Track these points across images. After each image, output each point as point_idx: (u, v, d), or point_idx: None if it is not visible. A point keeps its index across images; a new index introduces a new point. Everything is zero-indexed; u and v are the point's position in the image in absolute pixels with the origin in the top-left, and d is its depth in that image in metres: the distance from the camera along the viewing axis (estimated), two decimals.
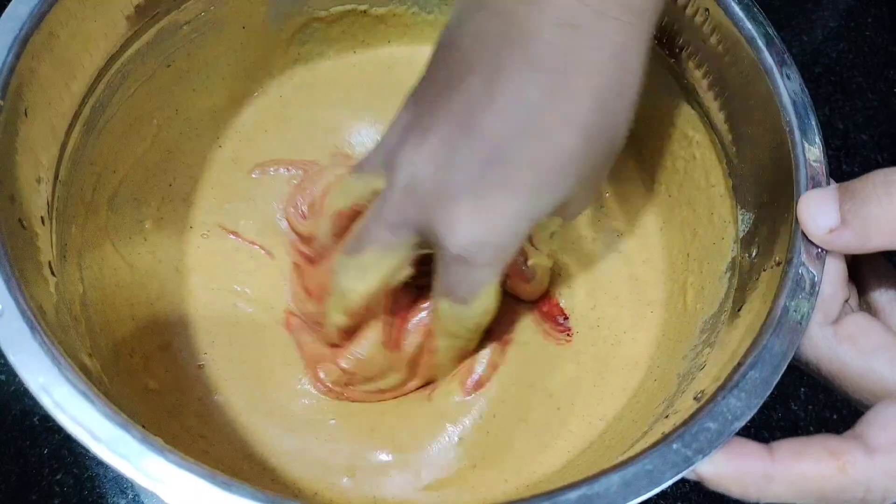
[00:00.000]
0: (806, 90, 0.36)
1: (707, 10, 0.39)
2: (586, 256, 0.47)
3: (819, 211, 0.32)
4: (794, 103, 0.36)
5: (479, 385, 0.43)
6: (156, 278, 0.43)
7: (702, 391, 0.32)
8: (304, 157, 0.48)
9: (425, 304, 0.41)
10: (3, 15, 0.33)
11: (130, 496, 0.46)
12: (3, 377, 0.48)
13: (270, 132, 0.49)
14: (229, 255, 0.45)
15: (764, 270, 0.35)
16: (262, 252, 0.45)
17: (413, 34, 0.51)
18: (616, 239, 0.47)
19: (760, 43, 0.37)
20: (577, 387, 0.43)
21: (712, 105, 0.41)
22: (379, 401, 0.42)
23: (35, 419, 0.46)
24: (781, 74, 0.36)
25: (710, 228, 0.43)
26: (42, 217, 0.35)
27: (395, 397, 0.43)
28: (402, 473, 0.40)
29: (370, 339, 0.40)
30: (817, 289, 0.32)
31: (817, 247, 0.32)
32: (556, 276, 0.46)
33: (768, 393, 0.29)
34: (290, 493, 0.39)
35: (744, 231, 0.39)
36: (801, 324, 0.31)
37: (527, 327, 0.45)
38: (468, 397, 0.42)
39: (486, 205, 0.32)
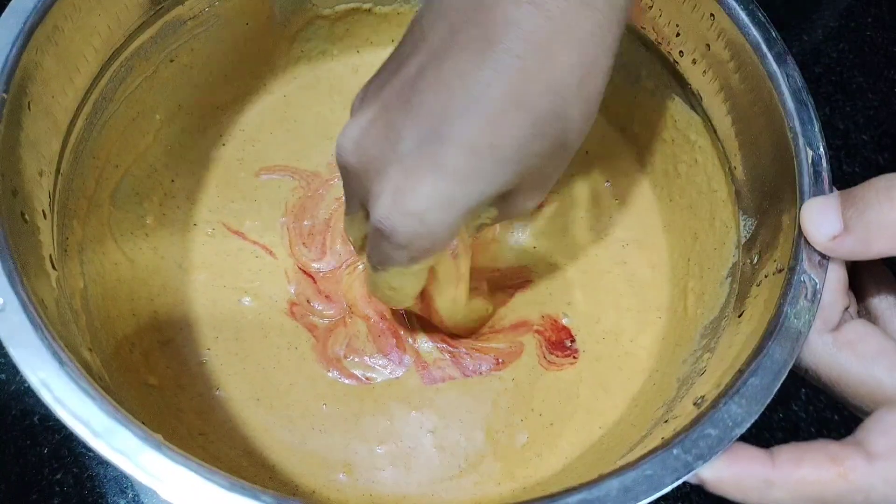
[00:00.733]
0: (810, 96, 0.36)
1: (712, 14, 0.39)
2: (588, 263, 0.47)
3: (822, 218, 0.32)
4: (797, 109, 0.36)
5: (430, 377, 0.43)
6: (158, 274, 0.43)
7: (702, 397, 0.32)
8: (308, 159, 0.49)
9: None
10: (8, 8, 0.33)
11: (130, 496, 0.46)
12: (3, 376, 0.48)
13: (275, 132, 0.49)
14: (233, 254, 0.45)
15: (766, 277, 0.35)
16: (265, 252, 0.46)
17: None
18: (618, 243, 0.47)
19: (765, 48, 0.37)
20: (576, 397, 0.43)
21: (716, 110, 0.41)
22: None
23: (35, 418, 0.46)
24: (785, 80, 0.36)
25: (711, 233, 0.43)
26: (44, 211, 0.35)
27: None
28: (394, 468, 0.41)
29: None
30: (819, 296, 0.32)
31: (819, 254, 0.32)
32: (559, 288, 0.46)
33: (769, 399, 0.29)
34: (288, 490, 0.39)
35: (745, 237, 0.39)
36: (802, 331, 0.31)
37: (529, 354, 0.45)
38: (426, 387, 0.43)
39: (412, 183, 0.30)
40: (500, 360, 0.44)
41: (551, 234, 0.47)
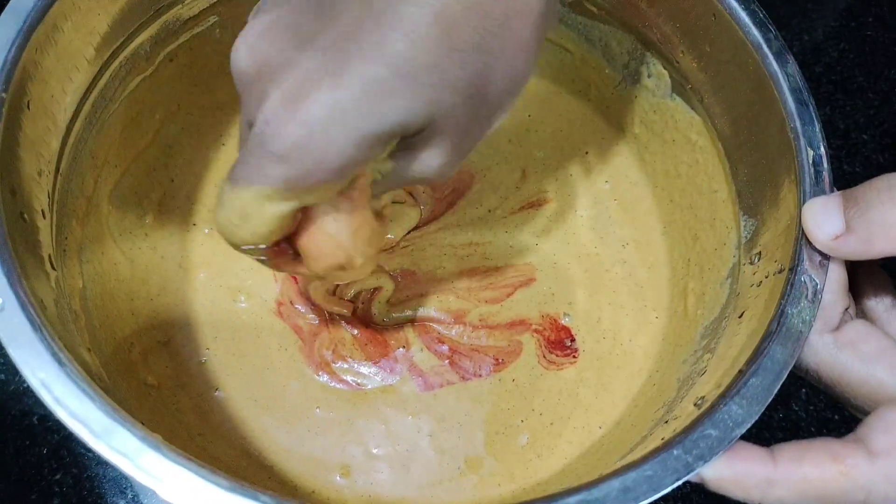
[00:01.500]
0: (811, 96, 0.36)
1: (713, 14, 0.39)
2: (588, 263, 0.47)
3: (824, 218, 0.32)
4: (798, 109, 0.36)
5: (427, 383, 0.43)
6: (157, 274, 0.43)
7: (703, 397, 0.32)
8: None
9: None
10: (7, 8, 0.33)
11: (130, 496, 0.46)
12: (2, 377, 0.48)
13: None
14: (228, 253, 0.45)
15: (766, 277, 0.35)
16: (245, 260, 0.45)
17: None
18: (618, 243, 0.47)
19: (766, 48, 0.37)
20: (576, 397, 0.43)
21: (716, 110, 0.41)
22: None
23: (34, 419, 0.46)
24: (786, 80, 0.36)
25: (711, 234, 0.43)
26: (43, 210, 0.34)
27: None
28: (393, 470, 0.41)
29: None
30: (819, 297, 0.32)
31: (820, 254, 0.32)
32: (559, 288, 0.46)
33: (770, 400, 0.30)
34: (287, 491, 0.39)
35: (746, 237, 0.39)
36: (803, 331, 0.31)
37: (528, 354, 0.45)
38: (423, 393, 0.43)
39: (310, 88, 0.26)
40: (500, 360, 0.44)
41: (551, 233, 0.47)
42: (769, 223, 0.37)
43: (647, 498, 0.27)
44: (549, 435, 0.42)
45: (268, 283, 0.44)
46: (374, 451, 0.41)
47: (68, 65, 0.36)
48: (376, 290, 0.45)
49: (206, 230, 0.45)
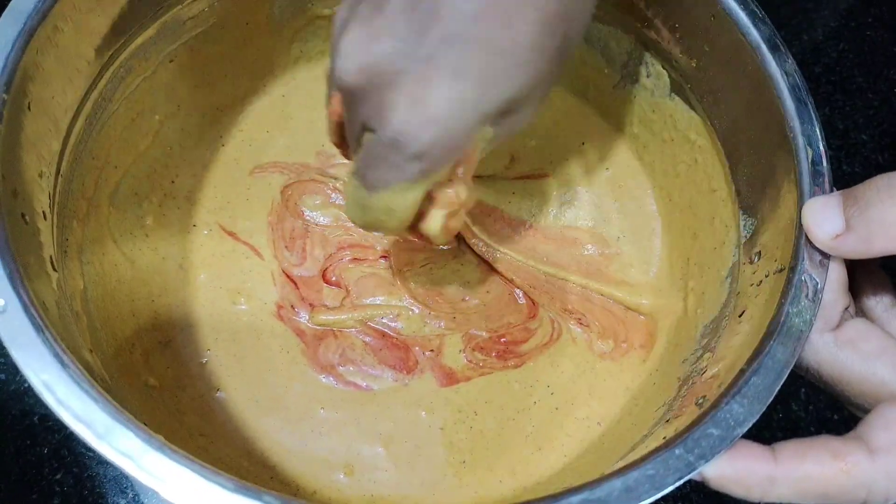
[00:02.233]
0: (810, 96, 0.36)
1: (713, 15, 0.39)
2: (588, 263, 0.47)
3: (823, 217, 0.32)
4: (797, 109, 0.36)
5: (452, 378, 0.43)
6: (158, 275, 0.43)
7: (704, 396, 0.32)
8: (299, 153, 0.49)
9: None
10: (8, 9, 0.33)
11: (130, 496, 0.46)
12: (2, 377, 0.48)
13: (272, 132, 0.49)
14: (228, 255, 0.45)
15: (766, 276, 0.35)
16: (254, 253, 0.46)
17: None
18: (618, 243, 0.47)
19: (765, 48, 0.37)
20: (574, 388, 0.43)
21: (716, 109, 0.41)
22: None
23: (35, 418, 0.46)
24: (785, 80, 0.36)
25: (711, 233, 0.43)
26: (44, 212, 0.34)
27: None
28: (397, 469, 0.41)
29: None
30: (820, 296, 0.32)
31: (820, 253, 0.32)
32: (559, 288, 0.46)
33: (771, 399, 0.30)
34: (289, 490, 0.39)
35: (745, 236, 0.39)
36: (803, 330, 0.31)
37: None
38: (443, 389, 0.43)
39: (430, 89, 0.28)
40: (520, 353, 0.44)
41: (550, 233, 0.47)
42: (769, 222, 0.37)
43: (649, 497, 0.27)
44: (552, 424, 0.42)
45: (267, 286, 0.45)
46: (380, 449, 0.41)
47: (69, 66, 0.36)
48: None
49: (206, 231, 0.45)
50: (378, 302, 0.44)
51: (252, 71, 0.48)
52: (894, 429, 0.29)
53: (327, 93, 0.34)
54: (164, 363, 0.41)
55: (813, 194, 0.34)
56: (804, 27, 0.63)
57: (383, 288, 0.45)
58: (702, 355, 0.38)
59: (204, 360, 0.42)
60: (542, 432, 0.42)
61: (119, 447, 0.26)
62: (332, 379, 0.43)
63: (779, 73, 0.36)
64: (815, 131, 0.35)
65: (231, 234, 0.46)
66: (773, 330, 0.31)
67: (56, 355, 0.28)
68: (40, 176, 0.35)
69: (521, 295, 0.46)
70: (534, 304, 0.45)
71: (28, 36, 0.33)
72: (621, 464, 0.29)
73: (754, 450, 0.29)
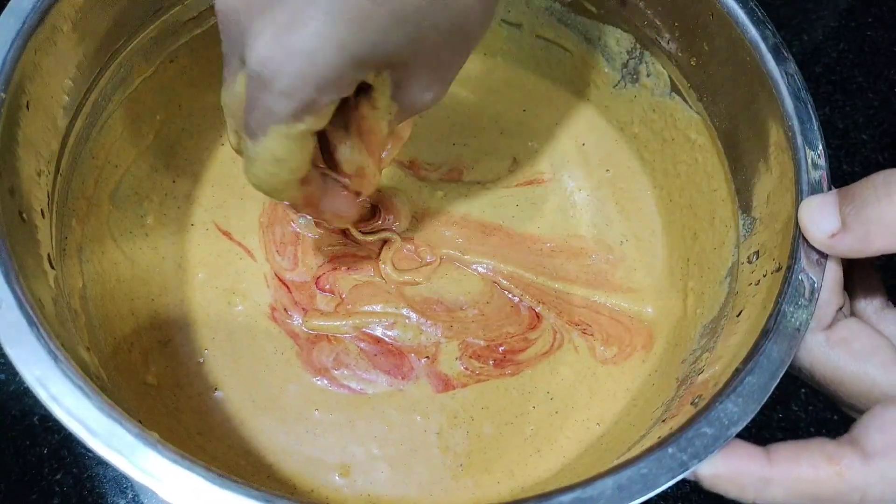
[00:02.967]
0: (809, 96, 0.36)
1: (712, 14, 0.39)
2: (588, 263, 0.47)
3: (820, 216, 0.32)
4: (796, 109, 0.36)
5: (448, 385, 0.43)
6: (158, 274, 0.43)
7: (699, 396, 0.32)
8: None
9: None
10: (7, 9, 0.33)
11: (130, 496, 0.46)
12: (2, 377, 0.48)
13: None
14: (223, 255, 0.45)
15: (764, 276, 0.35)
16: (247, 254, 0.45)
17: None
18: (617, 243, 0.47)
19: (764, 48, 0.37)
20: (574, 393, 0.43)
21: (716, 109, 0.41)
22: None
23: (35, 419, 0.46)
24: (785, 80, 0.36)
25: (710, 233, 0.43)
26: (42, 210, 0.35)
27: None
28: (393, 470, 0.41)
29: None
30: (816, 295, 0.32)
31: (817, 253, 0.32)
32: (560, 288, 0.46)
33: (766, 398, 0.29)
34: (286, 490, 0.39)
35: (744, 236, 0.39)
36: (799, 330, 0.31)
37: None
38: (439, 394, 0.43)
39: (302, 19, 0.27)
40: (518, 360, 0.44)
41: (549, 233, 0.47)
42: (767, 222, 0.37)
43: (641, 496, 0.27)
44: (552, 427, 0.42)
45: (260, 288, 0.44)
46: (375, 451, 0.41)
47: (68, 65, 0.37)
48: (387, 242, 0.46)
49: (204, 230, 0.45)
50: (374, 309, 0.44)
51: None
52: (888, 431, 0.28)
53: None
54: (162, 362, 0.41)
55: (811, 194, 0.33)
56: (804, 27, 0.63)
57: (380, 296, 0.45)
58: (700, 355, 0.38)
59: (201, 360, 0.42)
60: (540, 435, 0.42)
61: (113, 445, 0.27)
62: (326, 381, 0.42)
63: (778, 72, 0.36)
64: (814, 130, 0.35)
65: (226, 233, 0.46)
66: (769, 329, 0.31)
67: (50, 352, 0.28)
68: (39, 174, 0.35)
69: (524, 307, 0.45)
70: (537, 316, 0.45)
71: (27, 35, 0.33)
72: (616, 463, 0.29)
73: (749, 450, 0.29)
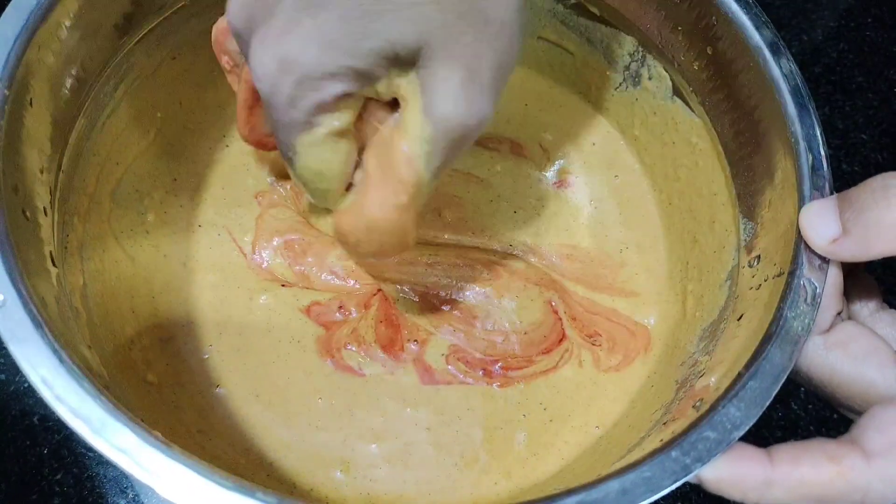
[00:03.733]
0: (811, 100, 0.36)
1: (714, 17, 0.39)
2: (587, 263, 0.47)
3: (820, 221, 0.32)
4: (798, 113, 0.36)
5: (431, 377, 0.43)
6: (160, 272, 0.43)
7: (701, 399, 0.32)
8: None
9: None
10: (10, 5, 0.33)
11: (130, 496, 0.46)
12: (2, 377, 0.48)
13: None
14: (235, 257, 0.45)
15: (765, 280, 0.35)
16: (252, 257, 0.45)
17: None
18: (617, 246, 0.47)
19: (767, 52, 0.37)
20: (571, 403, 0.43)
21: (717, 112, 0.41)
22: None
23: (35, 419, 0.46)
24: (787, 84, 0.36)
25: (710, 237, 0.43)
26: (45, 208, 0.35)
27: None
28: (391, 466, 0.41)
29: None
30: (818, 300, 0.32)
31: (819, 258, 0.32)
32: (558, 289, 0.46)
33: (768, 403, 0.30)
34: (286, 488, 0.39)
35: (745, 240, 0.39)
36: (801, 335, 0.31)
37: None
38: (425, 386, 0.43)
39: (291, 27, 0.27)
40: (509, 367, 0.44)
41: (550, 233, 0.47)
42: (768, 226, 0.37)
43: (645, 499, 0.27)
44: (548, 433, 0.42)
45: (274, 284, 0.45)
46: (372, 446, 0.41)
47: (71, 62, 0.36)
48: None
49: (216, 233, 0.45)
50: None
51: None
52: (888, 431, 0.29)
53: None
54: (163, 360, 0.41)
55: (813, 199, 0.34)
56: (804, 28, 0.63)
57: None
58: (700, 358, 0.38)
59: (205, 357, 0.42)
60: (535, 441, 0.42)
61: (115, 443, 0.27)
62: (331, 363, 0.43)
63: (780, 76, 0.37)
64: (816, 135, 0.35)
65: (234, 238, 0.46)
66: (772, 334, 0.31)
67: (54, 351, 0.28)
68: (41, 172, 0.35)
69: (560, 316, 0.45)
70: (562, 334, 0.45)
71: (30, 32, 0.33)
72: (618, 466, 0.29)
73: (751, 452, 0.29)
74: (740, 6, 0.38)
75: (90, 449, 0.27)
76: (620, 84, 0.48)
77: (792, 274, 0.32)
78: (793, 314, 0.31)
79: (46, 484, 0.45)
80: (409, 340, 0.44)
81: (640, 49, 0.45)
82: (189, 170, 0.46)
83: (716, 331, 0.38)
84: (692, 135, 0.44)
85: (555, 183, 0.49)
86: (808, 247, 0.33)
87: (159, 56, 0.43)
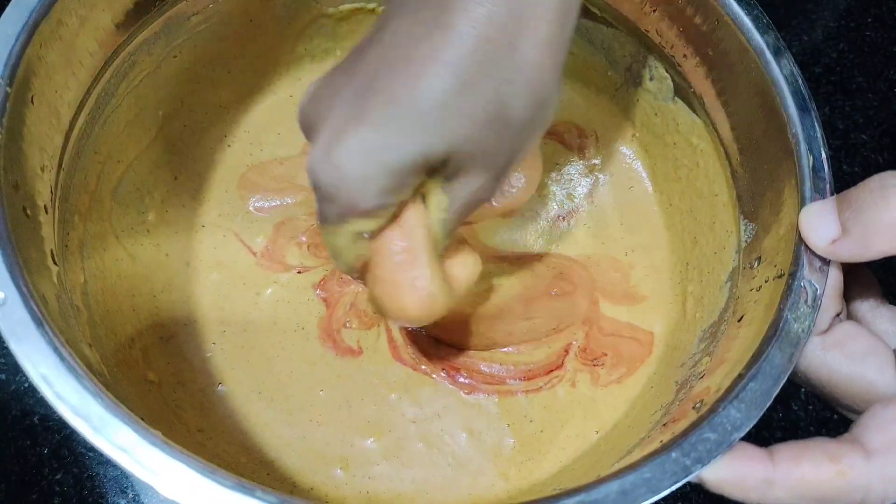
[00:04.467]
0: (812, 101, 0.36)
1: (715, 18, 0.39)
2: (587, 264, 0.47)
3: (819, 222, 0.32)
4: (799, 114, 0.36)
5: (398, 354, 0.43)
6: (161, 271, 0.43)
7: (701, 401, 0.32)
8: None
9: None
10: (12, 3, 0.33)
11: (130, 496, 0.46)
12: (3, 376, 0.48)
13: (283, 135, 0.49)
14: (239, 256, 0.45)
15: (766, 281, 0.35)
16: (257, 256, 0.46)
17: None
18: (617, 246, 0.47)
19: (768, 53, 0.37)
20: (563, 416, 0.43)
21: (718, 113, 0.41)
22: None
23: (35, 419, 0.46)
24: (787, 85, 0.36)
25: (711, 238, 0.43)
26: (45, 206, 0.34)
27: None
28: (388, 463, 0.41)
29: None
30: (819, 301, 0.32)
31: (820, 259, 0.32)
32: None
33: (768, 404, 0.30)
34: (286, 487, 0.39)
35: (746, 241, 0.39)
36: (802, 336, 0.31)
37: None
38: (399, 366, 0.43)
39: (338, 134, 0.29)
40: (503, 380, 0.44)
41: (551, 234, 0.47)
42: (769, 228, 0.37)
43: (645, 500, 0.27)
44: (540, 441, 0.42)
45: (280, 282, 0.45)
46: (369, 440, 0.41)
47: (72, 60, 0.36)
48: None
49: (221, 235, 0.45)
50: None
51: (256, 68, 0.48)
52: (888, 430, 0.29)
53: None
54: (164, 359, 0.41)
55: (813, 200, 0.34)
56: (804, 28, 0.63)
57: None
58: (700, 359, 0.38)
59: (208, 355, 0.42)
60: (527, 447, 0.42)
61: (115, 441, 0.27)
62: (331, 346, 0.43)
63: (782, 78, 0.37)
64: (817, 136, 0.35)
65: (240, 239, 0.46)
66: (772, 335, 0.31)
67: (55, 349, 0.28)
68: (42, 170, 0.35)
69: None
70: (565, 353, 0.44)
71: (32, 29, 0.33)
72: (618, 466, 0.29)
73: (751, 452, 0.29)
74: (741, 7, 0.38)
75: (90, 449, 0.27)
76: (622, 85, 0.48)
77: (792, 275, 0.32)
78: (793, 315, 0.31)
79: (46, 484, 0.45)
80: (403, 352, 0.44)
81: (642, 50, 0.45)
82: (191, 169, 0.46)
83: (716, 332, 0.38)
84: (693, 135, 0.44)
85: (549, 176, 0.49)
86: (808, 248, 0.33)
87: (160, 54, 0.43)
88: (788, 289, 0.32)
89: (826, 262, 0.33)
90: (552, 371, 0.44)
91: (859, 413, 0.31)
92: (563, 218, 0.48)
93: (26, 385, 0.46)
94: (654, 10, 0.42)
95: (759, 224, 0.38)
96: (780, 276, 0.33)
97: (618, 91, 0.48)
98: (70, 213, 0.38)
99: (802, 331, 0.31)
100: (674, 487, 0.28)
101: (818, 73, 0.62)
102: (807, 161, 0.35)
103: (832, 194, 0.34)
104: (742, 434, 0.29)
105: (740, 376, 0.30)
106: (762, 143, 0.38)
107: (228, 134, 0.48)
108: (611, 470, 0.29)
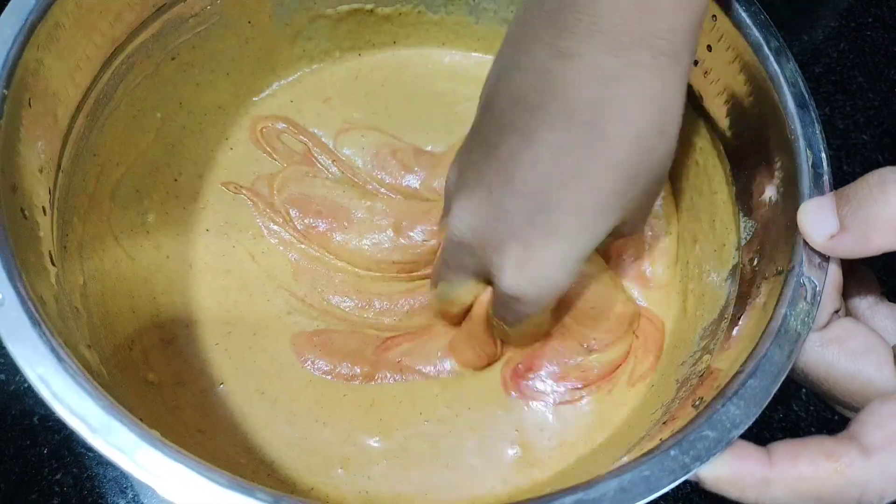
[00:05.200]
0: (811, 99, 0.36)
1: (714, 16, 0.39)
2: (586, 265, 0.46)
3: (818, 218, 0.32)
4: (798, 112, 0.36)
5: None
6: (161, 273, 0.43)
7: (700, 398, 0.32)
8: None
9: None
10: (10, 5, 0.33)
11: (130, 496, 0.46)
12: (2, 376, 0.48)
13: (283, 136, 0.49)
14: (241, 257, 0.45)
15: (765, 278, 0.35)
16: (257, 259, 0.46)
17: (419, 35, 0.51)
18: (617, 246, 0.47)
19: (766, 50, 0.37)
20: (586, 416, 0.43)
21: (717, 111, 0.41)
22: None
23: (35, 419, 0.46)
24: (787, 83, 0.36)
25: (711, 235, 0.43)
26: (44, 207, 0.35)
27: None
28: (388, 462, 0.41)
29: None
30: (818, 298, 0.32)
31: (819, 256, 0.32)
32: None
33: (767, 401, 0.29)
34: (286, 488, 0.39)
35: (745, 238, 0.39)
36: (801, 333, 0.31)
37: None
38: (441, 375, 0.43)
39: (530, 253, 0.33)
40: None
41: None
42: (768, 225, 0.37)
43: (643, 498, 0.27)
44: (533, 450, 0.42)
45: (283, 280, 0.45)
46: (373, 440, 0.41)
47: (70, 62, 0.36)
48: None
49: (225, 238, 0.45)
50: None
51: (254, 70, 0.48)
52: (887, 426, 0.29)
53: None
54: (164, 360, 0.41)
55: (812, 197, 0.34)
56: (804, 27, 0.63)
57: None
58: (700, 357, 0.38)
59: (209, 355, 0.42)
60: (534, 453, 0.41)
61: (113, 442, 0.26)
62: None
63: (781, 75, 0.37)
64: (816, 134, 0.35)
65: (238, 239, 0.46)
66: (771, 332, 0.31)
67: (52, 349, 0.28)
68: (40, 171, 0.35)
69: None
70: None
71: (29, 31, 0.33)
72: (617, 465, 0.29)
73: (749, 451, 0.29)
74: (741, 5, 0.38)
75: (90, 449, 0.27)
76: None
77: (792, 272, 0.32)
78: (792, 312, 0.31)
79: (46, 484, 0.45)
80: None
81: None
82: (190, 171, 0.46)
83: (716, 329, 0.38)
84: (692, 134, 0.44)
85: None
86: (807, 245, 0.33)
87: (158, 56, 0.43)
88: (787, 286, 0.32)
89: (825, 258, 0.32)
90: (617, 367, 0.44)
91: (857, 410, 0.31)
92: None
93: (26, 385, 0.46)
94: None
95: (759, 221, 0.38)
96: (779, 273, 0.33)
97: None
98: (69, 214, 0.38)
99: (802, 328, 0.31)
100: (673, 485, 0.28)
101: (818, 73, 0.62)
102: (806, 159, 0.35)
103: (831, 190, 0.34)
104: (741, 431, 0.29)
105: (739, 373, 0.30)
106: (761, 141, 0.38)
107: (229, 136, 0.48)
108: (609, 468, 0.29)
